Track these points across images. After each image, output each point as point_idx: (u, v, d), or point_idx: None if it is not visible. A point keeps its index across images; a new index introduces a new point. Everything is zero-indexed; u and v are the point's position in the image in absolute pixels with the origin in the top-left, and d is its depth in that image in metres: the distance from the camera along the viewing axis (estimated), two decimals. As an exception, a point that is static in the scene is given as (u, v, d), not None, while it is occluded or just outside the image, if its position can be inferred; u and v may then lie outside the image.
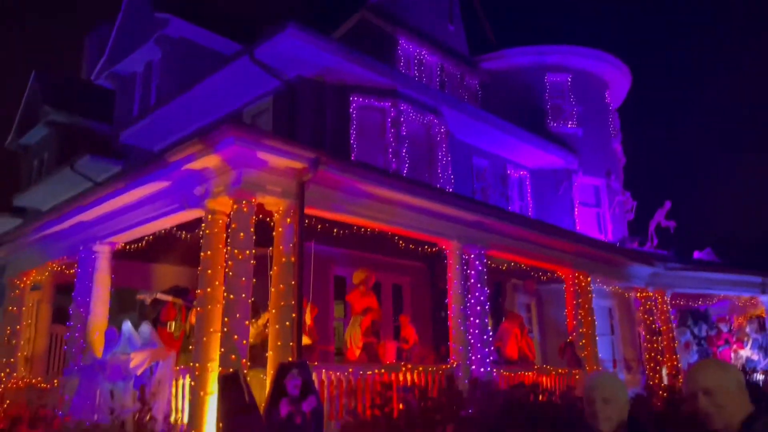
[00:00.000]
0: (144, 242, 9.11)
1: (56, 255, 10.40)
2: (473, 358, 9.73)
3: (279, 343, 7.09)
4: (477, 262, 10.18)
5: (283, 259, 7.34)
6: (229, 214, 7.30)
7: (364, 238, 10.49)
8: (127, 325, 7.50)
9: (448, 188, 14.28)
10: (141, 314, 9.31)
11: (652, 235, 19.35)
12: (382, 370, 8.28)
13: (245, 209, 7.13)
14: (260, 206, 7.56)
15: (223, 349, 6.70)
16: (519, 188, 18.39)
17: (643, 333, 14.98)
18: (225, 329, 6.76)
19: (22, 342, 11.26)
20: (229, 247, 7.04)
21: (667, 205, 19.43)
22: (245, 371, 6.66)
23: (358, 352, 9.06)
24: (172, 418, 7.24)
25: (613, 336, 17.66)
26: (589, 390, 2.65)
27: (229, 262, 6.98)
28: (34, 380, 10.49)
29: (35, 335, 11.87)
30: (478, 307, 9.98)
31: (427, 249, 10.46)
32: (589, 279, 12.54)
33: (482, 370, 9.59)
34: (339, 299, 12.93)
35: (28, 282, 11.46)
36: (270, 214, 7.65)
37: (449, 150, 15.72)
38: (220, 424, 5.94)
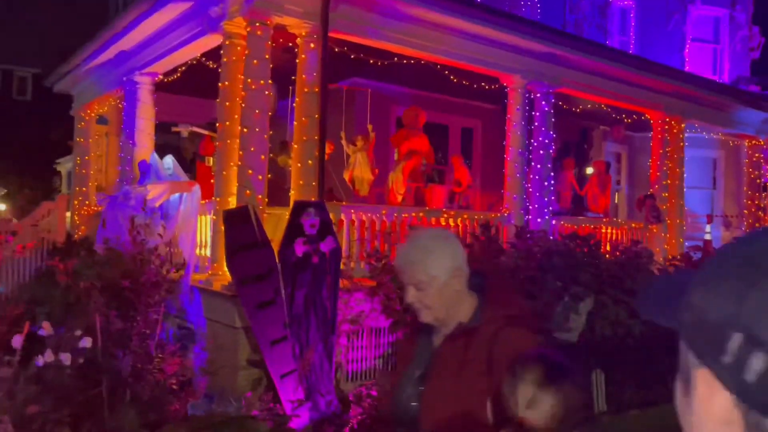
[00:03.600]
0: (179, 73, 8.66)
1: (109, 87, 10.28)
2: (531, 207, 8.94)
3: (301, 182, 6.63)
4: (543, 102, 8.99)
5: (306, 90, 6.64)
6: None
7: (422, 75, 9.50)
8: (154, 157, 7.30)
9: (534, 19, 12.56)
10: (182, 148, 9.15)
11: (779, 77, 16.64)
12: (420, 214, 7.73)
13: (259, 32, 6.35)
14: (282, 30, 6.75)
15: (238, 184, 6.34)
16: (621, 21, 16.05)
17: (745, 187, 13.35)
18: (240, 163, 6.34)
19: (92, 172, 11.67)
20: (243, 76, 6.41)
21: (804, 41, 16.40)
22: (261, 208, 6.32)
23: (400, 198, 8.49)
24: (198, 252, 7.20)
25: (715, 190, 16.02)
26: (397, 272, 1.83)
27: (243, 93, 6.38)
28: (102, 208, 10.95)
29: (106, 166, 12.28)
30: (541, 151, 8.97)
31: (490, 87, 9.32)
32: (682, 125, 10.95)
33: (539, 220, 8.83)
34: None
35: (92, 114, 11.61)
36: (294, 39, 6.84)
37: (537, -26, 13.69)
38: (226, 261, 5.71)
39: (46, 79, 12.19)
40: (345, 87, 10.77)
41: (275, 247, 6.13)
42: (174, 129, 8.83)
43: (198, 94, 10.36)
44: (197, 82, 9.01)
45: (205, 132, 8.58)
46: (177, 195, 6.90)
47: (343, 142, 8.83)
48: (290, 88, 8.89)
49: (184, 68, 8.54)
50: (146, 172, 7.43)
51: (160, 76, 9.06)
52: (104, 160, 12.45)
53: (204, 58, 8.08)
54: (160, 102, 9.35)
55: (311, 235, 6.14)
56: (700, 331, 0.54)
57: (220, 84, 6.76)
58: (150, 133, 9.18)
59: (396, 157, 9.46)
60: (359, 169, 8.51)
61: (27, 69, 29.61)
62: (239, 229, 5.79)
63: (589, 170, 12.72)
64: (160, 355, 5.23)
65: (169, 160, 7.24)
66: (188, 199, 6.88)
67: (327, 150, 7.21)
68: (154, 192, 6.52)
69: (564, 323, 6.50)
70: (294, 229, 6.12)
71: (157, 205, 6.52)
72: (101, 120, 12.00)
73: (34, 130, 25.50)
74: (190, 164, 8.99)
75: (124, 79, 9.36)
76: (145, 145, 9.11)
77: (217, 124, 6.84)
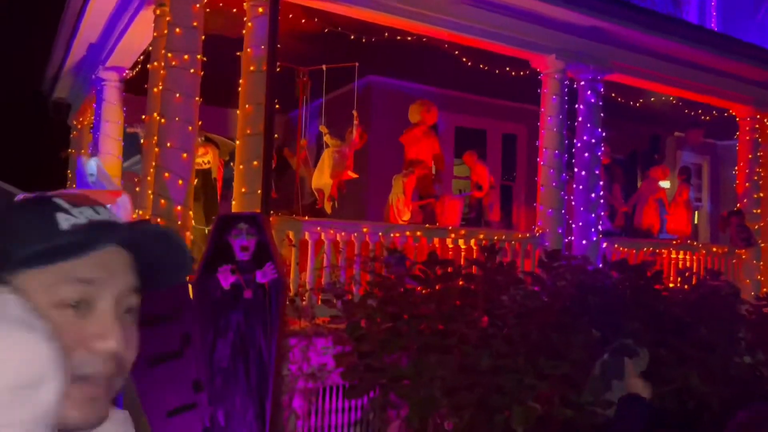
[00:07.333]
0: (141, 65, 7.31)
1: (89, 89, 9.13)
2: (573, 225, 6.96)
3: (243, 190, 5.01)
4: (589, 92, 7.02)
5: (252, 68, 5.05)
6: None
7: (447, 69, 7.81)
8: (80, 161, 5.90)
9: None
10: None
11: None
12: (418, 233, 5.92)
13: (184, -10, 4.83)
14: (226, -8, 5.22)
15: (151, 192, 4.78)
16: (699, 10, 13.69)
17: None
18: (155, 164, 4.79)
19: (83, 187, 10.57)
20: (163, 50, 4.88)
21: None
22: (180, 222, 4.72)
23: (406, 219, 6.66)
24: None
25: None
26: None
27: (161, 72, 4.85)
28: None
29: (104, 181, 11.17)
30: (587, 154, 6.98)
31: (517, 73, 7.46)
32: (778, 122, 8.64)
33: (584, 242, 6.82)
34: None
35: (85, 123, 10.52)
36: (240, 4, 5.29)
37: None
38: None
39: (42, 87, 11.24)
40: (357, 86, 9.22)
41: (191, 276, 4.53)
42: (129, 130, 7.48)
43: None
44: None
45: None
46: (99, 207, 5.43)
47: (326, 137, 7.09)
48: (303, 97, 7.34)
49: (142, 58, 7.18)
50: (78, 179, 6.06)
51: (127, 71, 7.75)
52: (102, 174, 11.35)
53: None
54: (131, 104, 8.03)
55: (243, 262, 4.49)
56: None
57: (148, 65, 5.29)
58: (116, 137, 7.86)
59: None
60: (318, 172, 6.75)
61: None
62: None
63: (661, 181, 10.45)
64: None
65: (92, 163, 5.82)
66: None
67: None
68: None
69: (603, 392, 4.48)
70: (218, 253, 4.49)
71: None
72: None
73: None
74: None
75: (93, 77, 8.14)
76: (110, 152, 7.79)
77: (144, 117, 5.36)
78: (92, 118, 10.29)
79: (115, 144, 7.81)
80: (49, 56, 9.35)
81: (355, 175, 6.93)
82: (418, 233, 5.90)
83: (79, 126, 10.52)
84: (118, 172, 7.80)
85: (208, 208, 6.58)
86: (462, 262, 5.66)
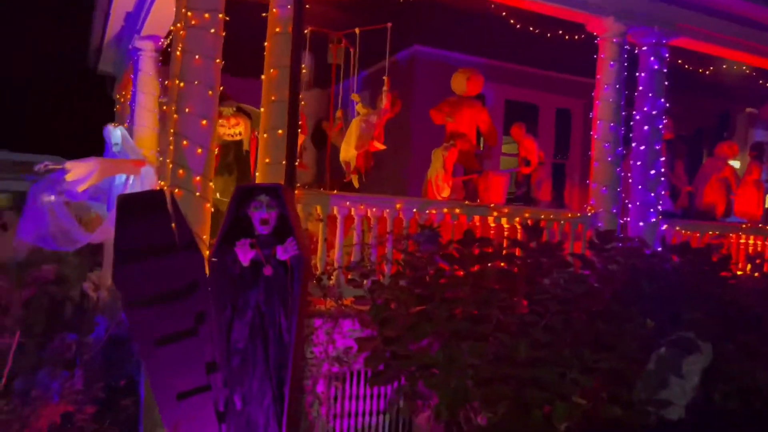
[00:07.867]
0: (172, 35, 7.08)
1: (128, 61, 9.01)
2: (630, 205, 6.39)
3: (267, 161, 4.70)
4: (652, 58, 6.37)
5: (277, 29, 4.70)
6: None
7: (497, 39, 7.29)
8: (107, 130, 5.71)
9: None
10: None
11: None
12: (457, 210, 5.49)
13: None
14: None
15: (170, 161, 4.52)
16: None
17: None
18: (173, 130, 4.52)
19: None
20: (183, 9, 4.58)
21: None
22: (199, 194, 4.44)
23: (445, 195, 6.21)
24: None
25: None
26: None
27: (181, 32, 4.55)
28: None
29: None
30: (646, 127, 6.36)
31: (572, 37, 6.86)
32: None
33: (641, 223, 6.24)
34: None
35: (128, 95, 10.46)
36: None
37: None
38: (113, 271, 3.85)
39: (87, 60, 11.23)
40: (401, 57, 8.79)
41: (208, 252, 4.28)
42: (161, 100, 7.29)
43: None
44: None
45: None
46: (123, 178, 5.24)
47: (358, 106, 6.65)
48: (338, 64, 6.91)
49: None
50: (106, 149, 5.90)
51: (162, 40, 7.55)
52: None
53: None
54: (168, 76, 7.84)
55: (263, 236, 4.17)
56: None
57: (171, 26, 5.01)
58: (152, 109, 7.70)
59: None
60: (345, 144, 6.33)
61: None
62: (143, 223, 3.93)
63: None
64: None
65: (118, 132, 5.64)
66: (136, 184, 5.19)
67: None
68: (75, 172, 4.86)
69: (658, 389, 4.00)
70: (236, 226, 4.18)
71: (80, 189, 4.88)
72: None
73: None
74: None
75: (130, 47, 7.99)
76: (145, 124, 7.64)
77: (167, 82, 5.10)
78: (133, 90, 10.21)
79: (151, 116, 7.65)
80: (90, 28, 9.29)
81: (382, 147, 6.49)
82: (457, 210, 5.47)
83: (122, 99, 10.47)
84: (153, 145, 7.65)
85: (240, 181, 6.33)
86: (504, 243, 5.23)
